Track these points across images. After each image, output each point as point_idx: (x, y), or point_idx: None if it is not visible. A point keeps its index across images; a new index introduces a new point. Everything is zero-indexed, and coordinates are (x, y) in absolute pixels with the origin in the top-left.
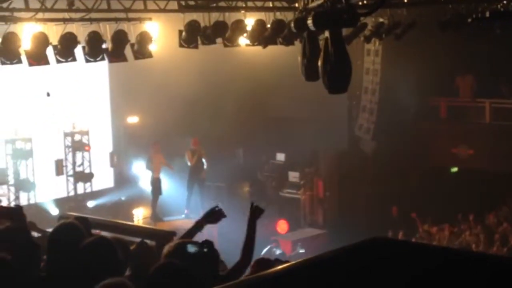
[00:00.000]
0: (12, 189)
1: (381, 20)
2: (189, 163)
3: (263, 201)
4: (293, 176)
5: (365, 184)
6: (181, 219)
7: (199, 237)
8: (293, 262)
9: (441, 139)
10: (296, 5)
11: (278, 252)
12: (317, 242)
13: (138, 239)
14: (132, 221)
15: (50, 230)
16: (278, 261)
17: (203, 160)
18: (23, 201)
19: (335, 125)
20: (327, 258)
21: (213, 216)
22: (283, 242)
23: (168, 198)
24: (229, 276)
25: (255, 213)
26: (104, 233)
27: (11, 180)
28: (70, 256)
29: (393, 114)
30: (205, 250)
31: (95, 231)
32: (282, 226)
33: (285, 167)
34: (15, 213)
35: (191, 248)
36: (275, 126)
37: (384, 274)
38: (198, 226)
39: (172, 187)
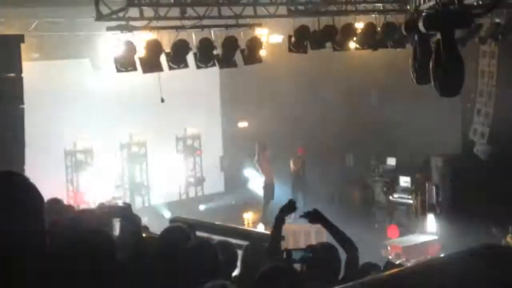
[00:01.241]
0: (128, 192)
1: (497, 20)
2: (291, 169)
3: (374, 205)
4: (405, 181)
5: (480, 190)
6: (289, 223)
7: (308, 239)
8: (410, 265)
9: None
10: (407, 7)
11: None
12: (429, 248)
13: (246, 242)
14: (242, 225)
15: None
16: (389, 264)
17: (305, 168)
18: (138, 204)
19: (448, 129)
20: (438, 264)
21: (288, 209)
22: (394, 247)
23: (279, 203)
24: (346, 277)
25: (315, 216)
26: (214, 236)
27: (127, 184)
28: (174, 258)
29: (509, 117)
30: (310, 255)
31: (205, 234)
32: (392, 231)
33: (396, 172)
34: (124, 212)
35: (297, 255)
36: (386, 132)
37: (496, 284)
38: (278, 221)
39: (282, 192)
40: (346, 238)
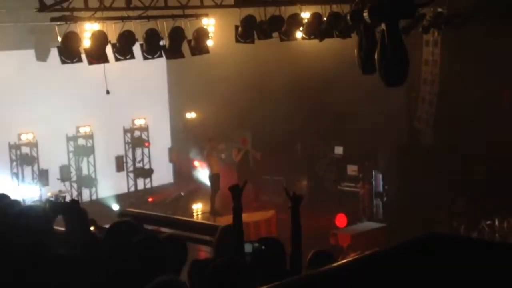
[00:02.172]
0: (75, 185)
1: (439, 10)
2: (234, 159)
3: (322, 194)
4: (352, 169)
5: (426, 176)
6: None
7: (257, 230)
8: (350, 258)
9: (504, 128)
10: None
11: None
12: (378, 236)
13: (197, 235)
14: (192, 216)
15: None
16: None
17: (249, 158)
18: (85, 197)
19: (394, 118)
20: (383, 255)
21: (236, 195)
22: (342, 235)
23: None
24: (287, 271)
25: (296, 201)
26: (164, 229)
27: (74, 177)
28: (122, 253)
29: (453, 104)
30: (263, 248)
31: (154, 227)
32: (341, 219)
33: (344, 161)
34: (71, 207)
35: (248, 247)
36: (333, 120)
37: (440, 271)
38: (235, 211)
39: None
40: (299, 234)
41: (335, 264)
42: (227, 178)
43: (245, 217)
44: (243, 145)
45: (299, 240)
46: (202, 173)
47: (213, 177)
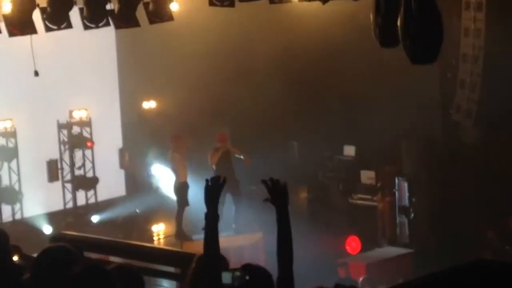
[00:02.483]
0: None
1: None
2: (212, 166)
3: (327, 210)
4: (367, 176)
5: (465, 186)
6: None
7: (240, 258)
8: None
9: None
10: None
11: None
12: (401, 265)
13: (157, 266)
14: (151, 240)
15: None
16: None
17: (232, 161)
18: (5, 217)
19: (423, 106)
20: (422, 284)
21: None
22: (355, 265)
23: (198, 209)
24: None
25: (279, 193)
26: (113, 258)
27: None
28: None
29: (503, 90)
30: (247, 278)
31: (100, 255)
32: (352, 244)
33: (356, 165)
34: None
35: (227, 278)
36: (341, 110)
37: None
38: (209, 225)
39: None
40: (290, 249)
41: None
42: (198, 189)
43: (224, 241)
44: (220, 144)
45: (289, 255)
46: (165, 183)
47: (180, 188)
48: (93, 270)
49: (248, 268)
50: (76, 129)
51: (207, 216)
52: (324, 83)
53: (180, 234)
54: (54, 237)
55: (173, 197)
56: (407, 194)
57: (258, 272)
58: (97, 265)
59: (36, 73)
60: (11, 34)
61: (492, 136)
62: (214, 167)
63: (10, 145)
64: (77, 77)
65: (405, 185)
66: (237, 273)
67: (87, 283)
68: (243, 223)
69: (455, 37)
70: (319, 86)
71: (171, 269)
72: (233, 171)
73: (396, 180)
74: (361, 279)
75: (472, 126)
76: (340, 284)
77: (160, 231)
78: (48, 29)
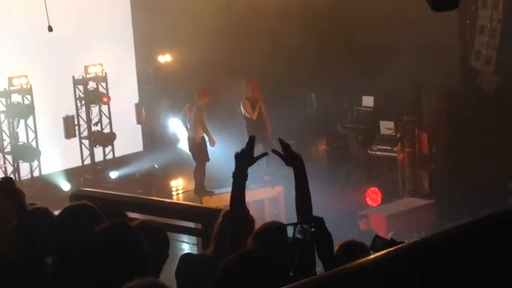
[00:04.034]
0: (9, 158)
1: None
2: (248, 116)
3: (347, 162)
4: (387, 127)
5: (486, 135)
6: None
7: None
8: (400, 245)
9: None
10: None
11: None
12: (422, 216)
13: (177, 221)
14: (169, 196)
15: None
16: (378, 239)
17: (265, 113)
18: (24, 174)
19: (442, 54)
20: (444, 239)
21: (245, 155)
22: (375, 217)
23: (218, 163)
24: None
25: (293, 157)
26: (133, 214)
27: (7, 147)
28: (81, 249)
29: None
30: (313, 230)
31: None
32: (373, 195)
33: (376, 115)
34: (4, 189)
35: (291, 231)
36: (358, 59)
37: None
38: (238, 178)
39: (223, 149)
40: (310, 207)
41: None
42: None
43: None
44: (254, 94)
45: (308, 211)
46: (184, 137)
47: (198, 144)
48: (118, 226)
49: (313, 220)
50: (92, 85)
51: (234, 175)
52: (341, 33)
53: (199, 189)
54: (73, 194)
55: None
56: (427, 144)
57: (318, 220)
58: (122, 221)
59: (50, 29)
60: None
61: None
62: (248, 117)
63: (26, 102)
64: (92, 32)
65: (425, 135)
66: (305, 226)
67: (112, 240)
68: (271, 174)
69: None
70: (336, 36)
71: (191, 224)
72: (267, 125)
73: (416, 131)
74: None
75: (492, 73)
76: (379, 236)
77: (178, 186)
78: None
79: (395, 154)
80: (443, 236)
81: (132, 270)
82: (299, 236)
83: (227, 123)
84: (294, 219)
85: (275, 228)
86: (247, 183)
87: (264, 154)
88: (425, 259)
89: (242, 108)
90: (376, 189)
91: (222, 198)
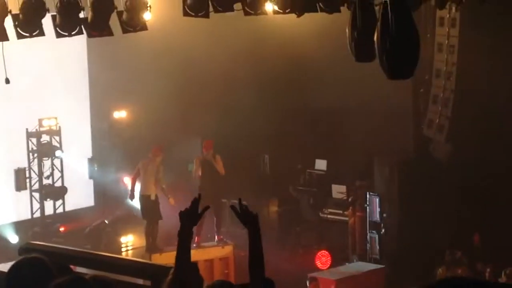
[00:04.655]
0: None
1: None
2: (194, 175)
3: (298, 224)
4: (339, 190)
5: (436, 202)
6: (192, 248)
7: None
8: None
9: None
10: None
11: None
12: (372, 281)
13: (127, 278)
14: (119, 252)
15: (3, 265)
16: None
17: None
18: None
19: (396, 121)
20: None
21: (190, 214)
22: (324, 281)
23: (170, 220)
24: None
25: (249, 219)
26: (81, 269)
27: None
28: None
29: (475, 106)
30: None
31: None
32: (323, 258)
33: (328, 179)
34: None
35: None
36: (313, 122)
37: None
38: (182, 236)
39: (175, 207)
40: (262, 267)
41: None
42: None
43: (193, 254)
44: (206, 152)
45: (261, 273)
46: (135, 194)
47: (150, 202)
48: (77, 281)
49: (266, 283)
50: (45, 138)
51: (180, 234)
52: (297, 98)
53: (150, 246)
54: (22, 248)
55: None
56: (378, 209)
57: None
58: (79, 276)
59: (7, 81)
60: None
61: (463, 153)
62: (197, 177)
63: None
64: (47, 86)
65: (376, 200)
66: None
67: None
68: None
69: (429, 53)
70: (293, 101)
71: (139, 281)
72: (215, 183)
73: (367, 195)
74: None
75: (444, 142)
76: None
77: (128, 242)
78: (20, 36)
79: (346, 218)
80: None
81: None
82: None
83: (180, 180)
84: (244, 279)
85: None
86: (197, 242)
87: (206, 208)
88: None
89: (193, 166)
90: (327, 252)
91: (172, 255)
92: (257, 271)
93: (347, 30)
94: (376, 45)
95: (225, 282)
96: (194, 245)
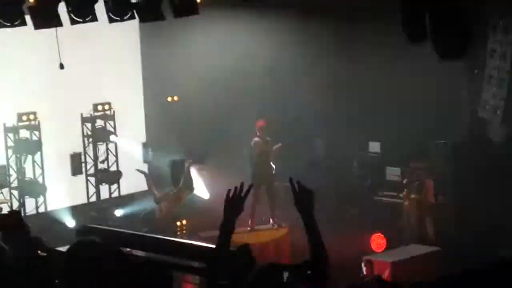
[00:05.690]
0: (15, 193)
1: None
2: (255, 155)
3: (352, 207)
4: (393, 173)
5: (492, 184)
6: (244, 232)
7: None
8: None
9: None
10: None
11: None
12: (427, 263)
13: (182, 260)
14: (174, 235)
15: (62, 249)
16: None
17: (273, 154)
18: (29, 210)
19: (451, 102)
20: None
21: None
22: (379, 263)
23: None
24: None
25: (303, 196)
26: (137, 252)
27: (14, 182)
28: (90, 284)
29: None
30: (309, 272)
31: (125, 250)
32: (378, 241)
33: (382, 161)
34: (10, 222)
35: (287, 274)
36: (367, 104)
37: None
38: (226, 220)
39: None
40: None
41: None
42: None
43: (247, 237)
44: (261, 133)
45: (322, 252)
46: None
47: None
48: (127, 263)
49: (306, 264)
50: (99, 123)
51: (221, 227)
52: (352, 78)
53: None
54: (79, 230)
55: (199, 191)
56: (433, 191)
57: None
58: (130, 259)
59: (62, 66)
60: (37, 26)
61: None
62: (255, 156)
63: (34, 138)
64: (101, 71)
65: (432, 183)
66: (294, 271)
67: (121, 277)
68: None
69: (482, 33)
70: (345, 81)
71: (195, 264)
72: (269, 165)
73: (423, 178)
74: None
75: (499, 123)
76: (352, 285)
77: (183, 225)
78: (73, 22)
79: (401, 201)
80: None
81: None
82: (293, 279)
83: (235, 163)
84: (298, 261)
85: (271, 270)
86: (251, 224)
87: (250, 188)
88: None
89: (252, 147)
90: (381, 235)
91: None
92: (315, 247)
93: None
94: (427, 25)
95: (275, 264)
96: (248, 228)
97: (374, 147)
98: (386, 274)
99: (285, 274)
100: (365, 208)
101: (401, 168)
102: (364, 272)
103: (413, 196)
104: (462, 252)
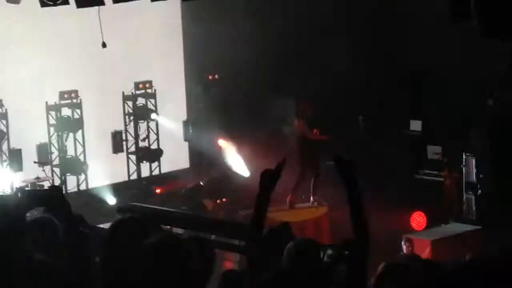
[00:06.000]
0: (57, 170)
1: None
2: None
3: (393, 185)
4: (434, 151)
5: None
6: (283, 209)
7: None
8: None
9: None
10: None
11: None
12: (469, 242)
13: (222, 238)
14: (215, 213)
15: (103, 226)
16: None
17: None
18: (70, 187)
19: (492, 80)
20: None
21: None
22: (419, 241)
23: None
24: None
25: (345, 168)
26: (177, 230)
27: (56, 159)
28: (130, 261)
29: None
30: (347, 253)
31: (165, 227)
32: (418, 219)
33: (423, 140)
34: (50, 198)
35: (327, 255)
36: (408, 83)
37: None
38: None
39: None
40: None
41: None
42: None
43: (287, 215)
44: (310, 114)
45: (365, 228)
46: (230, 156)
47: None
48: (169, 240)
49: (345, 243)
50: (140, 101)
51: (261, 196)
52: (391, 56)
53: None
54: (121, 208)
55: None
56: (474, 170)
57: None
58: (172, 235)
59: (104, 45)
60: (79, 5)
61: None
62: (297, 136)
63: (76, 116)
64: (143, 49)
65: (473, 161)
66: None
67: (162, 254)
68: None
69: None
70: (387, 59)
71: (234, 241)
72: (313, 142)
73: (464, 156)
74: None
75: None
76: (391, 263)
77: (223, 203)
78: (116, 0)
79: (442, 179)
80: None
81: (179, 285)
82: (330, 259)
83: (273, 141)
84: (338, 241)
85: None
86: (291, 201)
87: (283, 162)
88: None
89: (297, 127)
90: (422, 213)
91: (274, 216)
92: (358, 224)
93: None
94: (472, 4)
95: (312, 240)
96: (288, 205)
97: (415, 125)
98: (426, 253)
99: (327, 252)
100: (405, 186)
101: (442, 147)
102: (404, 251)
103: (454, 174)
104: (503, 231)
